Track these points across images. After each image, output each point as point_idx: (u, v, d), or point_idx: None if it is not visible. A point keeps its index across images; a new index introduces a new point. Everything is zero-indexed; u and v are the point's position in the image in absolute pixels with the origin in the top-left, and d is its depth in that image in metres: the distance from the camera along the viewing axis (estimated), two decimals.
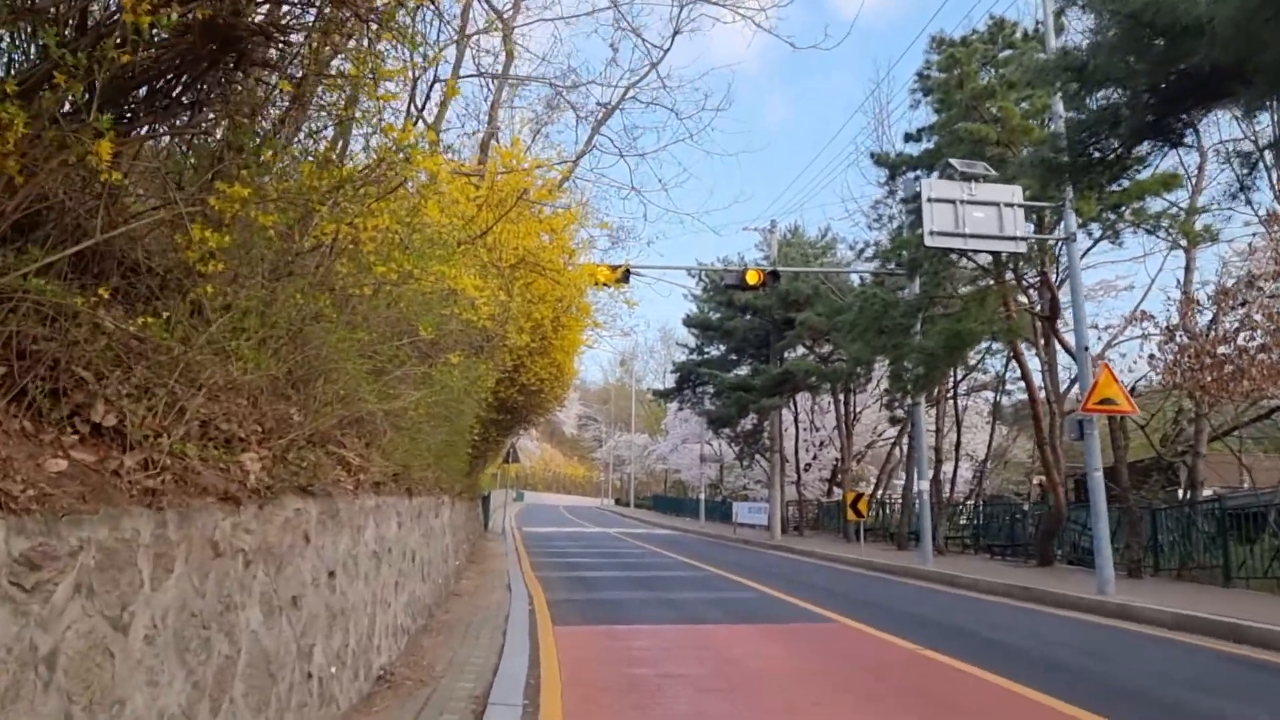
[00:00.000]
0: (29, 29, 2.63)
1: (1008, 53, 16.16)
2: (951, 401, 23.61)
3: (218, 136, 3.08)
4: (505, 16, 11.46)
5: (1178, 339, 14.32)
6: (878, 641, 7.90)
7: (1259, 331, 13.26)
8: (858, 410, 30.12)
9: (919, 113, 46.32)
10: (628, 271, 15.88)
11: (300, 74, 3.65)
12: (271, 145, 3.05)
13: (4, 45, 2.76)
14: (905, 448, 26.60)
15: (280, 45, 3.01)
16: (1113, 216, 14.05)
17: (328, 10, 3.07)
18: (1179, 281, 16.15)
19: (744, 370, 31.37)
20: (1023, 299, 16.94)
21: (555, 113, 14.45)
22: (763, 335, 29.14)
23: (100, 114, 2.10)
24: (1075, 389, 22.97)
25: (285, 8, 3.19)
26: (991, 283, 15.68)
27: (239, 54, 2.67)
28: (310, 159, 4.61)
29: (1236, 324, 13.65)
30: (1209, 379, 13.40)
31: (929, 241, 12.40)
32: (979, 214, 12.36)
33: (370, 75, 3.67)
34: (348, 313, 4.82)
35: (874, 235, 25.57)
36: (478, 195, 9.04)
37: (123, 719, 2.48)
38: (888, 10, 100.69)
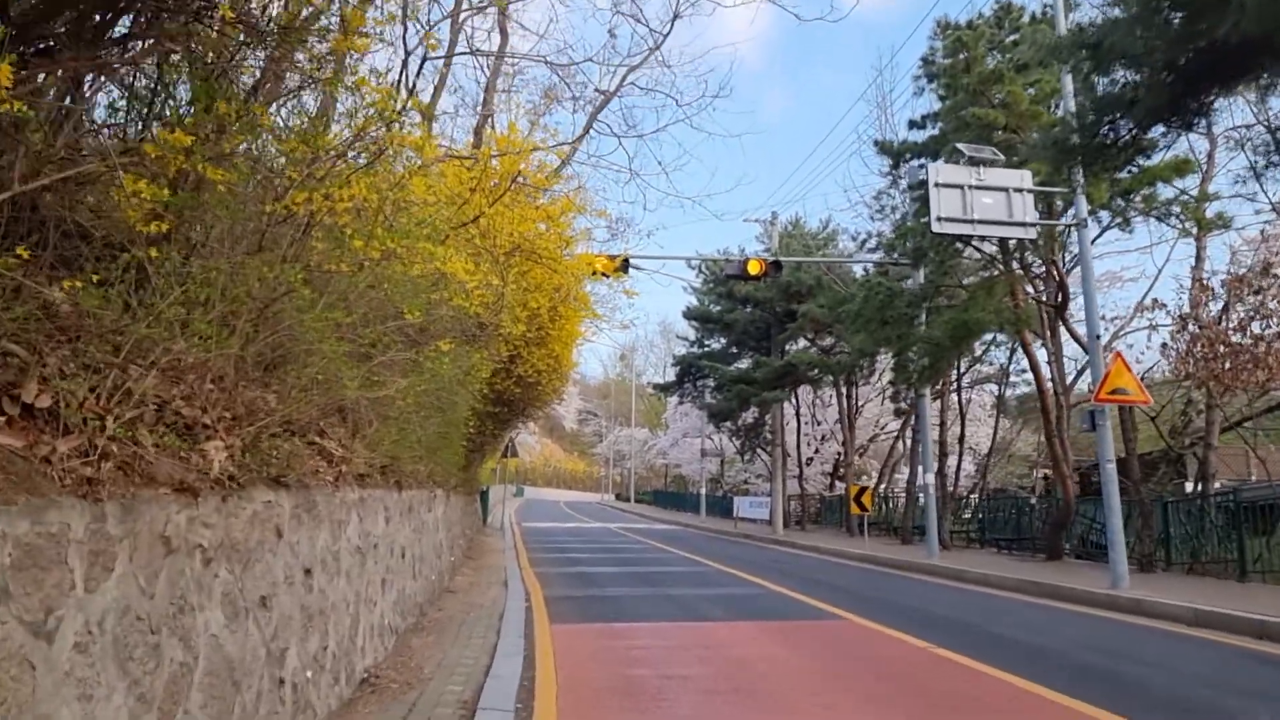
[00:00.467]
0: None
1: (1014, 37, 15.82)
2: (955, 394, 23.30)
3: (156, 78, 2.75)
4: None
5: (1190, 328, 13.99)
6: (888, 639, 7.59)
7: (1274, 320, 12.93)
8: (860, 404, 29.80)
9: (923, 100, 46.01)
10: (626, 261, 15.55)
11: (269, 24, 3.34)
12: (228, 94, 2.73)
13: None
14: (908, 441, 26.31)
15: None
16: (1123, 203, 13.72)
17: None
18: (1193, 267, 15.80)
19: (745, 363, 31.06)
20: (1029, 289, 16.62)
21: (553, 103, 14.14)
22: (764, 328, 28.81)
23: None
24: (1081, 380, 22.70)
25: None
26: (999, 272, 15.35)
27: None
28: (288, 127, 4.30)
29: (1251, 312, 13.31)
30: (1223, 368, 13.08)
31: (936, 228, 12.06)
32: (987, 199, 12.03)
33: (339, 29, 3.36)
34: (326, 292, 4.50)
35: (877, 226, 25.27)
36: (471, 177, 8.70)
37: None
38: (889, 5, 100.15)
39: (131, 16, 2.39)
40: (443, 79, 11.46)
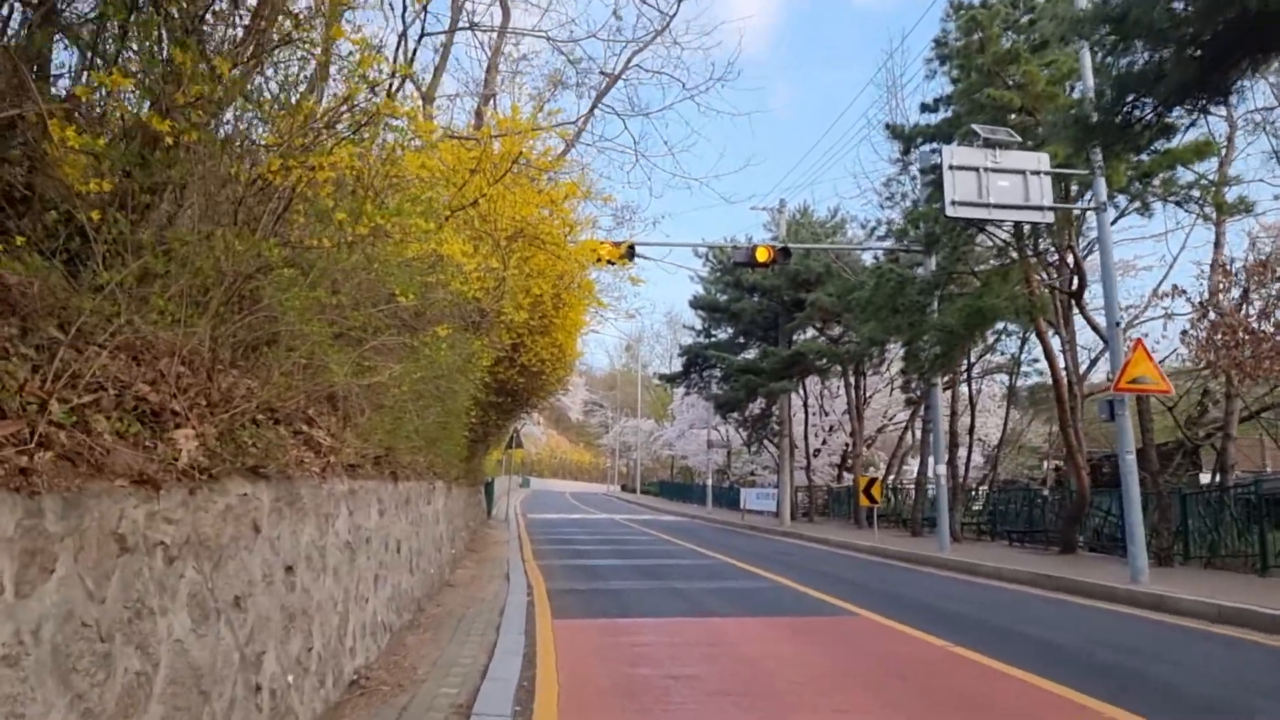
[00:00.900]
0: None
1: (1030, 16, 15.40)
2: (965, 384, 22.92)
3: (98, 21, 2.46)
4: None
5: (1211, 316, 13.61)
6: (903, 637, 7.31)
7: None
8: (868, 394, 29.46)
9: (934, 84, 45.47)
10: (632, 248, 15.23)
11: None
12: (185, 46, 2.43)
13: None
14: (917, 432, 25.96)
15: None
16: (1140, 186, 13.34)
17: None
18: (1214, 251, 15.39)
19: (752, 353, 30.73)
20: (1041, 275, 16.24)
21: (557, 89, 13.79)
22: (771, 317, 28.46)
23: None
24: (1095, 369, 22.33)
25: None
26: (1014, 257, 14.99)
27: None
28: (273, 98, 4.02)
29: (1275, 299, 12.92)
30: (1245, 356, 12.71)
31: (950, 211, 11.71)
32: (1004, 182, 11.66)
33: None
34: (310, 270, 4.22)
35: (886, 214, 24.88)
36: (471, 157, 8.40)
37: None
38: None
39: None
40: (443, 59, 11.13)
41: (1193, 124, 10.48)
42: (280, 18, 3.80)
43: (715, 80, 45.66)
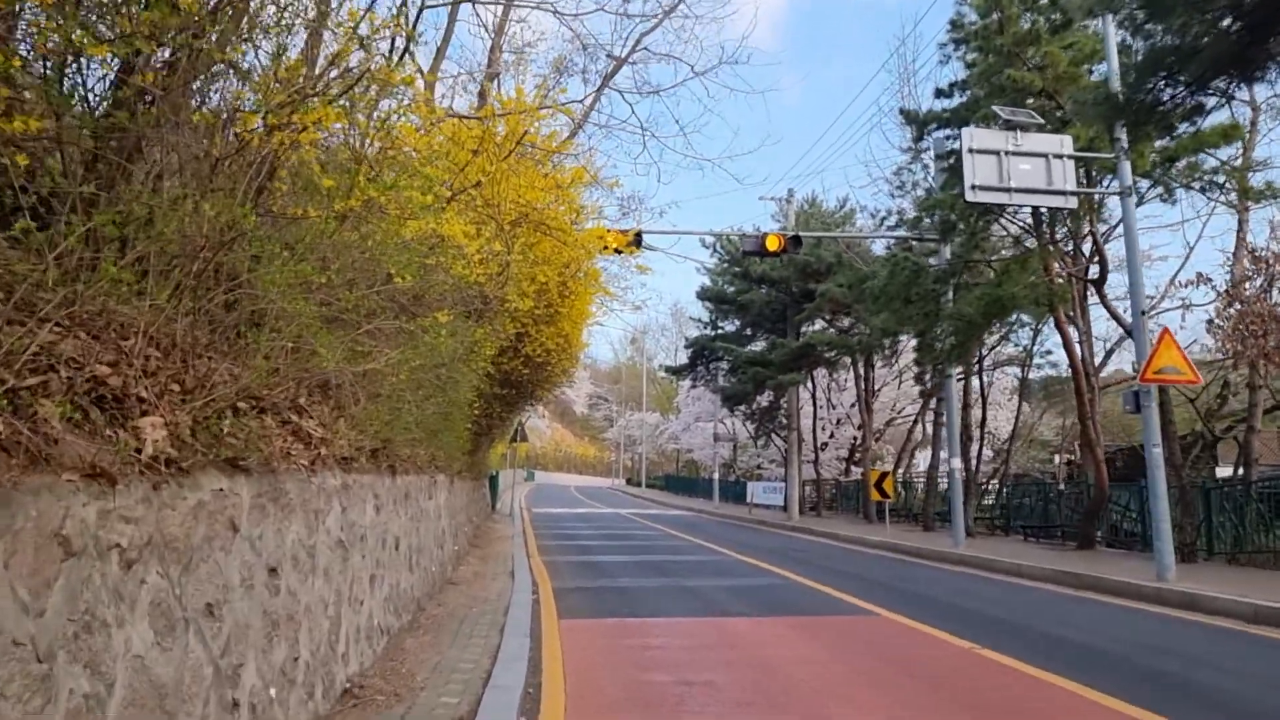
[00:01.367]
0: None
1: None
2: (977, 377, 22.51)
3: None
4: None
5: (1236, 305, 13.19)
6: (927, 639, 6.95)
7: None
8: (877, 387, 29.05)
9: (948, 70, 44.99)
10: (639, 235, 14.85)
11: None
12: None
13: None
14: (927, 425, 25.56)
15: None
16: (1163, 171, 12.92)
17: None
18: (1237, 238, 14.94)
19: (760, 345, 30.32)
20: (1059, 264, 15.82)
21: (563, 74, 13.39)
22: (780, 309, 28.04)
23: None
24: (1111, 360, 21.92)
25: None
26: (1033, 244, 14.57)
27: None
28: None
29: None
30: (1271, 346, 12.30)
31: (971, 196, 11.30)
32: (1025, 166, 11.25)
33: None
34: (296, 244, 3.86)
35: (897, 203, 24.47)
36: (473, 137, 8.03)
37: None
38: None
39: None
40: (445, 40, 10.76)
41: (1221, 105, 10.06)
42: None
43: (725, 62, 44.93)
